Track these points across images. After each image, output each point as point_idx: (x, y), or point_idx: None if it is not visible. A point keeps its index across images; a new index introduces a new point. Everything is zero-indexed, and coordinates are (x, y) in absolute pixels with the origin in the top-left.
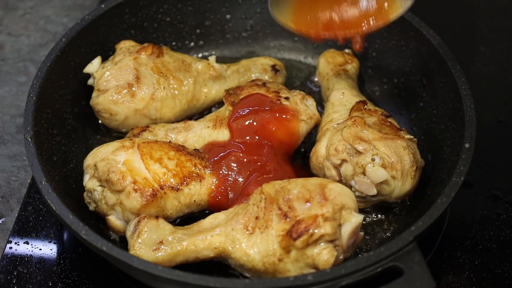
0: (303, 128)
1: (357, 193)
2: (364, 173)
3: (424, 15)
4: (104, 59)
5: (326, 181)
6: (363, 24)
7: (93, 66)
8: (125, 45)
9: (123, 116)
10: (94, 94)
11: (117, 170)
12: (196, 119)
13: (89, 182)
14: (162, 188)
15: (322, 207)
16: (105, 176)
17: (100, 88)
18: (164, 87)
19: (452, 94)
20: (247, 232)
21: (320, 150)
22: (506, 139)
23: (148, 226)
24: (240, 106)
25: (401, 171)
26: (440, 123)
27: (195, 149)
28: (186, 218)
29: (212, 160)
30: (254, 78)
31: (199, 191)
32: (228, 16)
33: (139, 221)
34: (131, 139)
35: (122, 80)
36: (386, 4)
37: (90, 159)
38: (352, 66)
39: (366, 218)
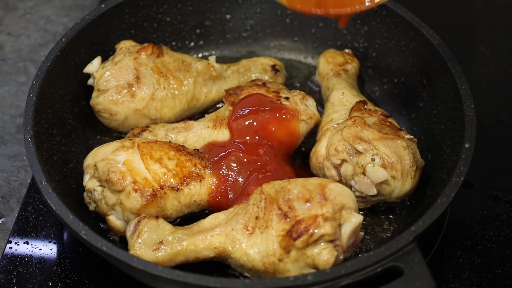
0: (303, 128)
1: (357, 193)
2: (364, 173)
3: (424, 15)
4: (104, 59)
5: (326, 181)
6: (355, 2)
7: (93, 66)
8: (125, 45)
9: (123, 116)
10: (94, 94)
11: (117, 170)
12: (196, 119)
13: (89, 182)
14: (162, 188)
15: (322, 207)
16: (105, 176)
17: (100, 88)
18: (164, 87)
19: (452, 94)
20: (247, 232)
21: (320, 150)
22: (506, 139)
23: (148, 226)
24: (240, 106)
25: (401, 171)
26: (440, 123)
27: (195, 149)
28: (186, 218)
29: (212, 160)
30: (254, 78)
31: (199, 191)
32: (228, 16)
33: (139, 221)
34: (131, 139)
35: (122, 80)
36: None
37: (90, 159)
38: (352, 66)
39: (366, 218)
